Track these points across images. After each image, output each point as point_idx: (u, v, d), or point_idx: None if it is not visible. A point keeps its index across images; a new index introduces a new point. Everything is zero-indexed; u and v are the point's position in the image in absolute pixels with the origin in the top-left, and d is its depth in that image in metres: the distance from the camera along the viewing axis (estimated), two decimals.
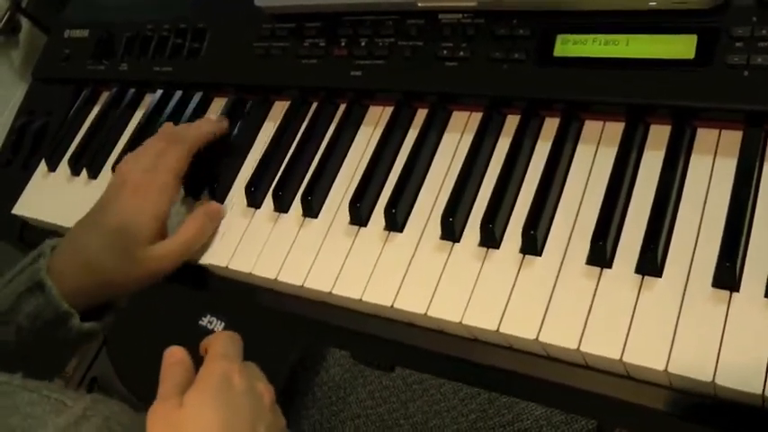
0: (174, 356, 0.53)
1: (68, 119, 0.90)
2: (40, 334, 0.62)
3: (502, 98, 0.63)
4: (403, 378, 1.34)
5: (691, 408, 0.49)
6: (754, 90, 0.53)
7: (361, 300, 0.59)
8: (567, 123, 0.60)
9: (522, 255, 0.55)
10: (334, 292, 0.60)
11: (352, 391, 1.36)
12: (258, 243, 0.66)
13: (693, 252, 0.51)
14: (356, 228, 0.63)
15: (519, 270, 0.55)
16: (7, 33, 1.20)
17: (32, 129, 0.92)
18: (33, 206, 0.85)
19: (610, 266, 0.52)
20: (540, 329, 0.51)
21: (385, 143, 0.66)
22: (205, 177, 0.73)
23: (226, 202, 0.72)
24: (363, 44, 0.70)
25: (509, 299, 0.54)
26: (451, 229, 0.58)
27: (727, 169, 0.53)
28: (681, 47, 0.56)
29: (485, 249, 0.57)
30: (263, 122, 0.76)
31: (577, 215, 0.56)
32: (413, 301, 0.57)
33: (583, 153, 0.59)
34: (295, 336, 1.33)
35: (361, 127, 0.70)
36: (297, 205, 0.67)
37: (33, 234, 0.87)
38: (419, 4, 0.67)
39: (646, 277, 0.51)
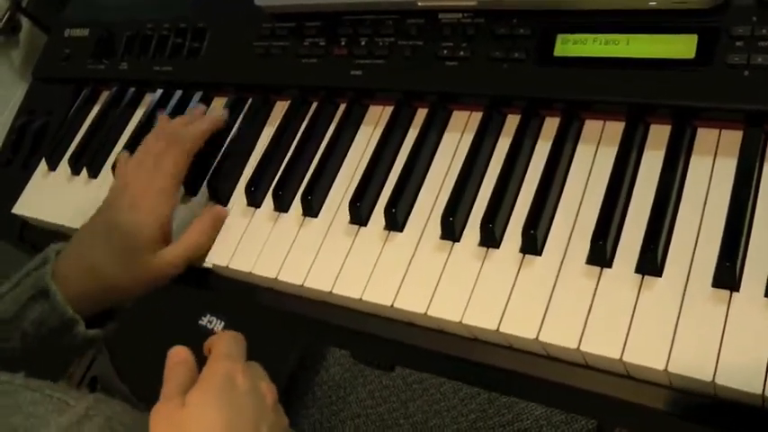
0: (178, 356, 0.53)
1: (68, 118, 0.90)
2: (45, 340, 0.62)
3: (502, 98, 0.63)
4: (403, 377, 1.34)
5: (691, 407, 0.49)
6: (754, 90, 0.52)
7: (361, 299, 0.59)
8: (568, 123, 0.60)
9: (522, 254, 0.55)
10: (334, 291, 0.60)
11: (352, 390, 1.36)
12: (258, 242, 0.66)
13: (693, 252, 0.51)
14: (356, 227, 0.63)
15: (519, 270, 0.55)
16: (7, 33, 1.20)
17: (33, 128, 0.92)
18: (33, 205, 0.85)
19: (610, 266, 0.52)
20: (540, 329, 0.51)
21: (385, 143, 0.66)
22: (208, 178, 0.72)
23: (230, 204, 0.71)
24: (363, 44, 0.70)
25: (509, 298, 0.54)
26: (451, 229, 0.58)
27: (727, 169, 0.53)
28: (681, 46, 0.56)
29: (485, 249, 0.57)
30: (264, 123, 0.76)
31: (577, 215, 0.56)
32: (413, 300, 0.57)
33: (583, 153, 0.59)
34: (295, 335, 1.33)
35: (362, 126, 0.70)
36: (297, 205, 0.67)
37: (33, 234, 0.87)
38: (419, 4, 0.67)
39: (646, 277, 0.51)
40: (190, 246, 0.67)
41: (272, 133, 0.73)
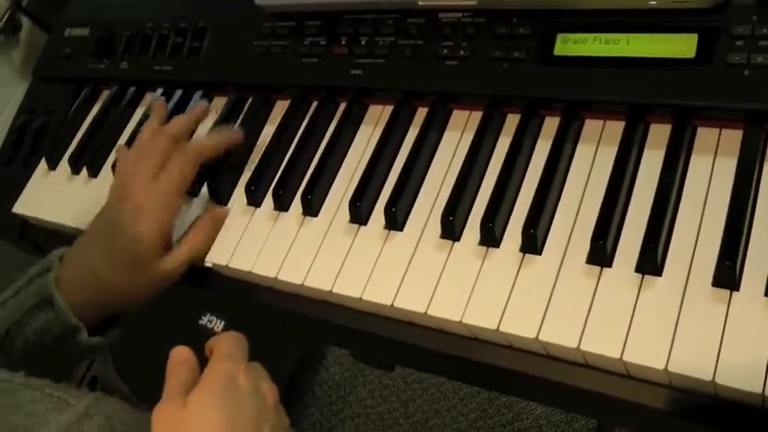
0: (180, 356, 0.53)
1: (69, 117, 0.90)
2: (47, 347, 0.62)
3: (502, 97, 0.63)
4: (403, 377, 1.34)
5: (691, 407, 0.49)
6: (754, 89, 0.52)
7: (361, 298, 0.59)
8: (568, 122, 0.59)
9: (522, 254, 0.55)
10: (334, 290, 0.60)
11: (352, 390, 1.36)
12: (258, 242, 0.66)
13: (694, 251, 0.51)
14: (356, 226, 0.63)
15: (519, 269, 0.55)
16: (8, 32, 1.20)
17: (33, 127, 0.92)
18: (33, 205, 0.85)
19: (610, 265, 0.52)
20: (540, 328, 0.51)
21: (385, 142, 0.66)
22: (207, 177, 0.72)
23: (230, 203, 0.71)
24: (364, 43, 0.70)
25: (509, 298, 0.54)
26: (451, 228, 0.58)
27: (727, 168, 0.53)
28: (681, 46, 0.56)
29: (485, 248, 0.57)
30: (264, 122, 0.76)
31: (577, 214, 0.56)
32: (413, 299, 0.57)
33: (583, 152, 0.59)
34: (295, 335, 1.33)
35: (362, 126, 0.70)
36: (297, 204, 0.67)
37: (33, 233, 0.87)
38: (419, 3, 0.67)
39: (646, 276, 0.51)
40: (191, 251, 0.67)
41: (272, 132, 0.73)
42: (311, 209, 0.66)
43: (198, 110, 0.74)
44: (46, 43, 0.97)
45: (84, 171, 0.83)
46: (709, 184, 0.53)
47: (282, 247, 0.65)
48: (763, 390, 0.44)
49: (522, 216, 0.56)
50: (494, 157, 0.62)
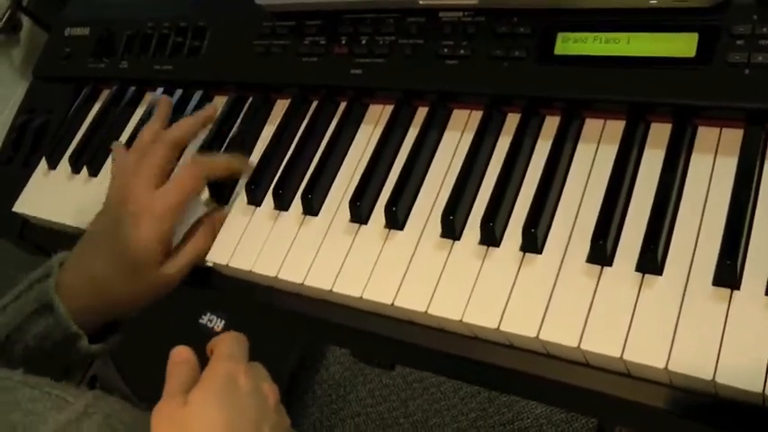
0: (180, 355, 0.53)
1: (69, 117, 0.90)
2: (47, 353, 0.62)
3: (502, 96, 0.63)
4: (403, 376, 1.34)
5: (691, 406, 0.49)
6: (754, 88, 0.52)
7: (361, 298, 0.59)
8: (568, 122, 0.59)
9: (522, 253, 0.55)
10: (334, 289, 0.60)
11: (353, 389, 1.36)
12: (258, 241, 0.66)
13: (694, 250, 0.51)
14: (356, 226, 0.63)
15: (519, 268, 0.55)
16: (8, 32, 1.20)
17: (33, 127, 0.92)
18: (34, 204, 0.85)
19: (610, 265, 0.52)
20: (540, 327, 0.51)
21: (385, 141, 0.66)
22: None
23: (230, 202, 0.71)
24: (364, 42, 0.70)
25: (509, 297, 0.54)
26: (452, 228, 0.58)
27: (727, 167, 0.53)
28: (682, 45, 0.56)
29: (485, 247, 0.57)
30: (265, 121, 0.76)
31: (578, 213, 0.56)
32: (413, 298, 0.57)
33: (583, 151, 0.59)
34: (295, 334, 1.33)
35: (362, 125, 0.70)
36: (297, 203, 0.67)
37: (34, 232, 0.87)
38: (420, 2, 0.67)
39: (646, 275, 0.51)
40: (191, 256, 0.66)
41: (272, 132, 0.73)
42: (311, 208, 0.66)
43: (204, 114, 0.73)
44: (46, 43, 0.97)
45: (85, 170, 0.83)
46: (710, 183, 0.53)
47: (283, 246, 0.65)
48: (764, 389, 0.44)
49: (523, 215, 0.56)
50: (494, 156, 0.62)
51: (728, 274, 0.48)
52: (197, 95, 0.81)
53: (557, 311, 0.52)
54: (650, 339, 0.48)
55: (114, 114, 0.86)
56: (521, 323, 0.52)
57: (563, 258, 0.54)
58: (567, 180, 0.58)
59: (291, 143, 0.71)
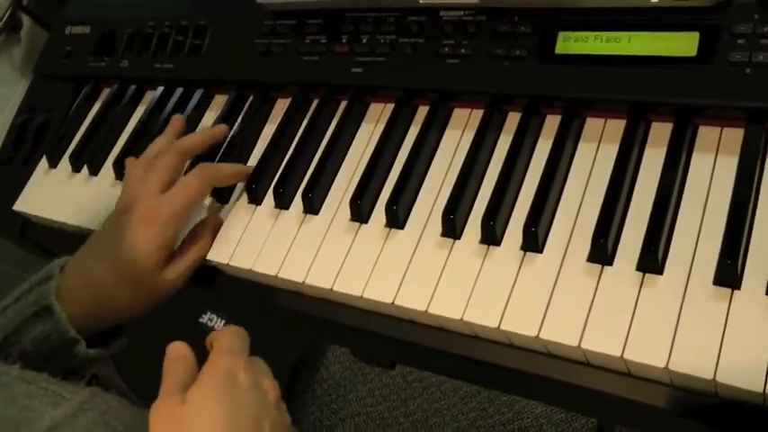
0: (177, 351, 0.52)
1: (69, 116, 0.90)
2: (45, 357, 0.61)
3: (503, 95, 0.63)
4: (403, 376, 1.34)
5: (691, 405, 0.49)
6: (755, 88, 0.52)
7: (361, 297, 0.59)
8: (569, 121, 0.59)
9: (523, 252, 0.55)
10: (334, 288, 0.60)
11: (353, 388, 1.36)
12: (259, 240, 0.66)
13: (695, 250, 0.51)
14: (357, 225, 0.63)
15: (520, 267, 0.55)
16: (8, 31, 1.20)
17: (34, 125, 0.92)
18: (34, 203, 0.85)
19: (611, 264, 0.52)
20: (541, 326, 0.51)
21: (386, 140, 0.66)
22: None
23: (230, 201, 0.71)
24: (364, 41, 0.70)
25: (510, 296, 0.54)
26: (452, 227, 0.58)
27: (728, 167, 0.53)
28: (683, 44, 0.56)
29: (486, 246, 0.57)
30: (265, 120, 0.76)
31: (578, 212, 0.56)
32: (414, 297, 0.57)
33: (584, 150, 0.59)
34: (295, 333, 1.33)
35: (363, 124, 0.70)
36: (298, 202, 0.67)
37: (34, 231, 0.87)
38: (420, 1, 0.67)
39: (647, 275, 0.51)
40: (191, 262, 0.66)
41: (272, 131, 0.73)
42: (312, 207, 0.66)
43: (215, 131, 0.73)
44: (47, 41, 0.97)
45: (85, 169, 0.83)
46: (711, 182, 0.53)
47: (283, 245, 0.65)
48: (764, 388, 0.44)
49: (523, 214, 0.56)
50: (495, 155, 0.62)
51: (729, 273, 0.48)
52: (198, 94, 0.81)
53: (557, 310, 0.52)
54: (651, 339, 0.48)
55: (115, 113, 0.86)
56: (521, 322, 0.52)
57: (564, 257, 0.54)
58: (568, 179, 0.58)
59: (292, 142, 0.71)
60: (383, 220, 0.62)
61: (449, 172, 0.63)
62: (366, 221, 0.63)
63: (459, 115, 0.66)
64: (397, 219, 0.61)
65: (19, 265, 0.90)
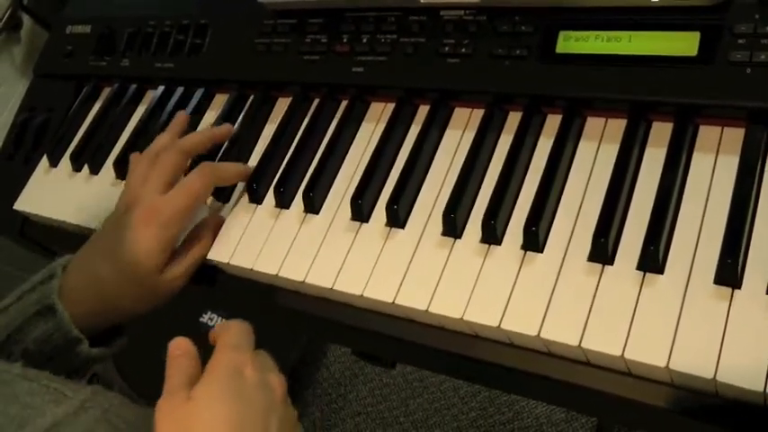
0: (180, 348, 0.51)
1: (70, 115, 0.90)
2: (47, 356, 0.61)
3: (504, 95, 0.63)
4: (403, 375, 1.34)
5: (692, 405, 0.49)
6: (756, 87, 0.52)
7: (362, 296, 0.59)
8: (569, 120, 0.59)
9: (523, 251, 0.55)
10: (335, 288, 0.60)
11: (353, 388, 1.37)
12: (259, 239, 0.66)
13: (695, 249, 0.51)
14: (357, 224, 0.63)
15: (520, 266, 0.55)
16: (9, 30, 1.20)
17: (34, 125, 0.92)
18: (35, 202, 0.85)
19: (611, 263, 0.52)
20: (541, 326, 0.51)
21: (387, 139, 0.66)
22: None
23: (231, 200, 0.71)
24: (365, 40, 0.70)
25: (510, 295, 0.54)
26: (453, 226, 0.58)
27: (729, 166, 0.53)
28: (683, 44, 0.56)
29: (486, 246, 0.57)
30: (266, 119, 0.76)
31: (579, 212, 0.56)
32: (414, 297, 0.57)
33: (585, 150, 0.59)
34: (296, 332, 1.33)
35: (363, 123, 0.70)
36: (298, 201, 0.67)
37: (34, 230, 0.87)
38: (421, 1, 0.67)
39: (647, 274, 0.51)
40: (192, 262, 0.66)
41: (273, 130, 0.73)
42: (313, 206, 0.66)
43: (220, 130, 0.72)
44: (47, 41, 0.97)
45: (86, 168, 0.83)
46: (711, 181, 0.53)
47: (284, 244, 0.65)
48: (765, 388, 0.44)
49: (524, 214, 0.56)
50: (495, 154, 0.62)
51: (730, 272, 0.48)
52: (198, 94, 0.81)
53: (558, 310, 0.52)
54: (651, 338, 0.48)
55: (115, 112, 0.86)
56: (522, 321, 0.52)
57: (564, 257, 0.54)
58: (569, 178, 0.58)
59: (293, 141, 0.71)
60: (384, 219, 0.62)
61: (449, 171, 0.63)
62: (367, 221, 0.63)
63: (460, 115, 0.66)
64: (397, 218, 0.61)
65: (19, 264, 0.90)
